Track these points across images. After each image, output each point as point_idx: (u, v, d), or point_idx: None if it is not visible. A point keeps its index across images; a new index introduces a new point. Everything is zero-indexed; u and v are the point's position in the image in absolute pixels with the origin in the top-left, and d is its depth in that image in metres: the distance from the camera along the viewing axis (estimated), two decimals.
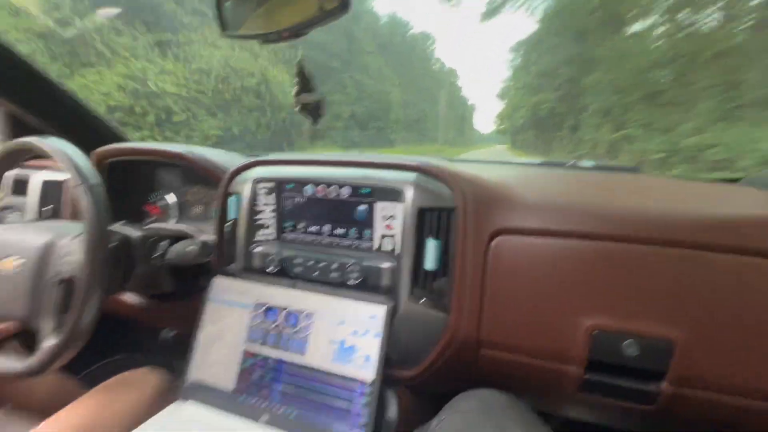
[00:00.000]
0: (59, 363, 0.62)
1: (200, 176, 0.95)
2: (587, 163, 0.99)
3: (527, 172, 0.96)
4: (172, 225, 1.00)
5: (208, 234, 0.92)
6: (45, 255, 0.65)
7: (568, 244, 0.57)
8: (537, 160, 1.13)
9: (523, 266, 0.58)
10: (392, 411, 0.62)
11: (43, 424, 0.64)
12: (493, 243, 0.61)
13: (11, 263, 0.66)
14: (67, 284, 0.64)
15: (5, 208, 1.00)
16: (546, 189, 0.75)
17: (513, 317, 0.59)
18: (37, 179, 0.98)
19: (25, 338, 0.70)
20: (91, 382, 0.95)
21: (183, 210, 1.03)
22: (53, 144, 0.64)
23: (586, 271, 0.55)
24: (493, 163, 1.12)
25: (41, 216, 0.96)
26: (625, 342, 0.53)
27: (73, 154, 0.63)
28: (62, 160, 0.62)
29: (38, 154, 0.69)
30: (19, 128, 1.00)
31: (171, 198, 1.02)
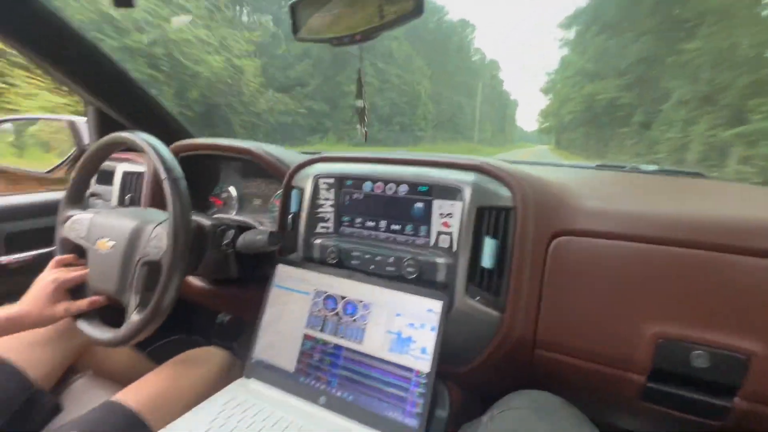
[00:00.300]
0: (142, 336, 0.69)
1: (260, 170, 1.02)
2: (649, 167, 0.95)
3: (584, 174, 0.93)
4: (233, 216, 1.07)
5: (266, 225, 0.97)
6: (133, 239, 0.72)
7: (634, 248, 0.55)
8: (592, 163, 1.10)
9: (585, 269, 0.58)
10: (443, 405, 0.63)
11: (124, 390, 0.71)
12: (553, 244, 0.61)
13: (105, 244, 0.74)
14: (152, 266, 0.71)
15: (92, 195, 1.12)
16: (608, 191, 0.74)
17: (572, 319, 0.58)
18: (119, 170, 1.09)
19: (106, 312, 0.78)
20: (154, 357, 1.05)
21: (242, 202, 1.10)
22: (145, 139, 0.71)
23: (653, 276, 0.54)
24: (546, 165, 1.11)
25: (123, 203, 1.06)
26: (694, 352, 0.51)
27: (161, 149, 0.70)
28: (152, 154, 0.69)
29: (128, 148, 0.77)
30: (104, 122, 1.11)
31: (233, 191, 1.09)
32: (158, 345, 1.23)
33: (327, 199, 0.78)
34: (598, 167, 1.06)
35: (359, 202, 0.76)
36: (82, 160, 0.80)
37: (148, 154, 0.70)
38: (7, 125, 1.25)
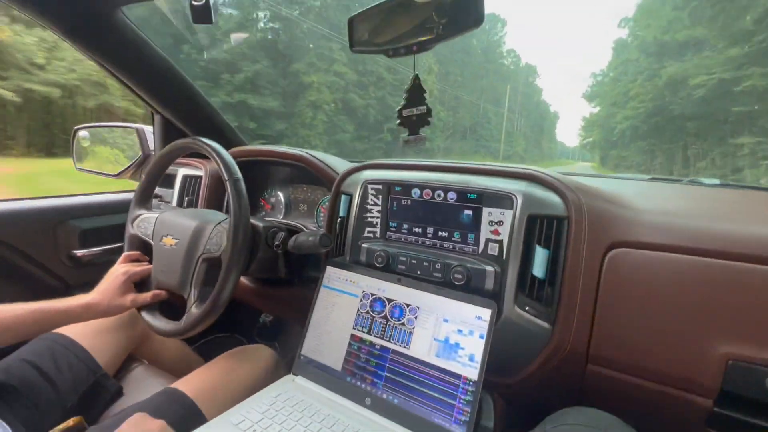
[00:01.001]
0: (201, 327, 0.73)
1: (306, 177, 1.06)
2: (711, 180, 0.90)
3: (639, 186, 0.90)
4: (281, 218, 1.12)
5: (312, 229, 1.01)
6: (195, 237, 0.77)
7: (699, 263, 0.53)
8: (646, 176, 1.05)
9: (645, 282, 0.56)
10: (489, 415, 0.62)
11: (182, 380, 0.75)
12: (609, 255, 0.59)
13: (170, 241, 0.80)
14: (211, 262, 0.76)
15: (154, 197, 1.21)
16: (666, 203, 0.71)
17: (630, 335, 0.56)
18: (180, 174, 1.17)
19: (164, 306, 0.84)
20: (201, 352, 1.11)
21: (289, 206, 1.15)
22: (210, 144, 0.76)
23: (723, 293, 0.51)
24: (596, 177, 1.07)
25: (184, 204, 1.14)
26: None
27: (224, 153, 0.75)
28: (216, 158, 0.74)
29: (192, 153, 0.84)
30: (168, 130, 1.21)
31: (281, 195, 1.15)
32: (205, 341, 1.30)
33: (375, 205, 0.80)
34: (652, 179, 1.02)
35: (407, 208, 0.77)
36: (152, 163, 0.88)
37: (212, 158, 0.75)
38: (84, 132, 1.39)
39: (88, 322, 0.82)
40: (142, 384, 0.84)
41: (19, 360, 0.72)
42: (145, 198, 0.92)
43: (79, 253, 1.07)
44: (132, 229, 0.89)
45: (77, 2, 0.81)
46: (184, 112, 1.16)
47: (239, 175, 0.73)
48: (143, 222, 0.88)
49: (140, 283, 0.83)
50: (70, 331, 0.80)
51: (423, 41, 0.59)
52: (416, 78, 0.69)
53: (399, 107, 0.72)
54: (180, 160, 1.20)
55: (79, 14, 0.84)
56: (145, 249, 0.87)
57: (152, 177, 0.90)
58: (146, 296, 0.80)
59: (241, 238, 0.70)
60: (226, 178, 0.72)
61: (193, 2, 0.54)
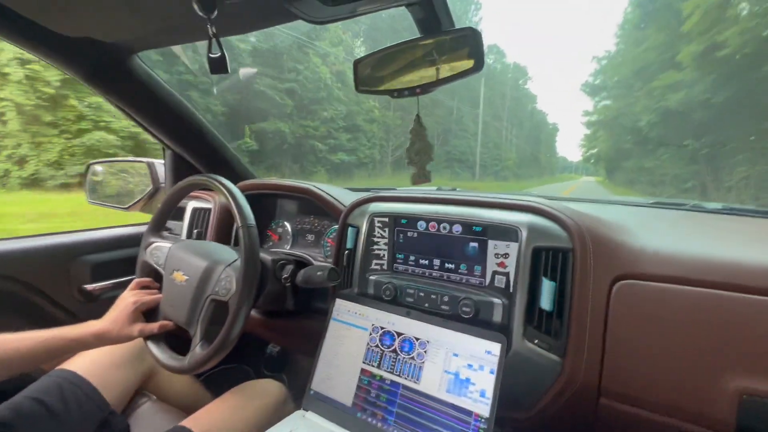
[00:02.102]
0: (205, 367, 0.73)
1: (313, 208, 1.08)
2: (714, 204, 0.91)
3: (642, 212, 0.91)
4: (288, 249, 1.14)
5: (319, 261, 1.02)
6: (205, 277, 0.78)
7: (708, 295, 0.53)
8: (648, 199, 1.06)
9: (654, 314, 0.56)
10: None
11: (191, 417, 0.75)
12: (616, 287, 0.59)
13: (181, 277, 0.81)
14: (219, 304, 0.76)
15: (166, 228, 1.24)
16: (671, 232, 0.72)
17: (641, 368, 0.56)
18: (189, 206, 1.20)
19: (171, 336, 0.84)
20: (209, 384, 1.10)
21: (296, 237, 1.16)
22: (225, 185, 0.78)
23: (732, 326, 0.51)
24: (596, 202, 1.08)
25: (193, 237, 1.16)
26: None
27: (239, 196, 0.76)
28: (231, 201, 0.76)
29: (205, 188, 0.86)
30: (180, 165, 1.24)
31: (288, 226, 1.16)
32: (212, 373, 1.29)
33: (382, 237, 0.81)
34: (654, 204, 1.03)
35: (413, 240, 0.78)
36: (168, 194, 0.90)
37: (227, 200, 0.77)
38: (98, 167, 1.43)
39: (96, 357, 0.83)
40: (150, 421, 0.83)
41: (28, 398, 0.72)
42: (159, 226, 0.94)
43: (90, 287, 1.09)
44: (145, 256, 0.90)
45: (96, 50, 0.86)
46: (195, 148, 1.20)
47: (253, 221, 0.75)
48: (156, 250, 0.89)
49: (148, 312, 0.84)
50: (78, 366, 0.80)
51: (425, 84, 0.62)
52: (417, 118, 0.72)
53: (407, 147, 0.75)
54: (190, 193, 1.23)
55: (98, 61, 0.89)
56: (156, 276, 0.89)
57: (167, 207, 0.92)
58: (153, 326, 0.81)
59: (250, 283, 0.71)
60: (240, 224, 0.73)
61: (210, 55, 0.57)
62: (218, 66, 0.58)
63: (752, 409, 0.49)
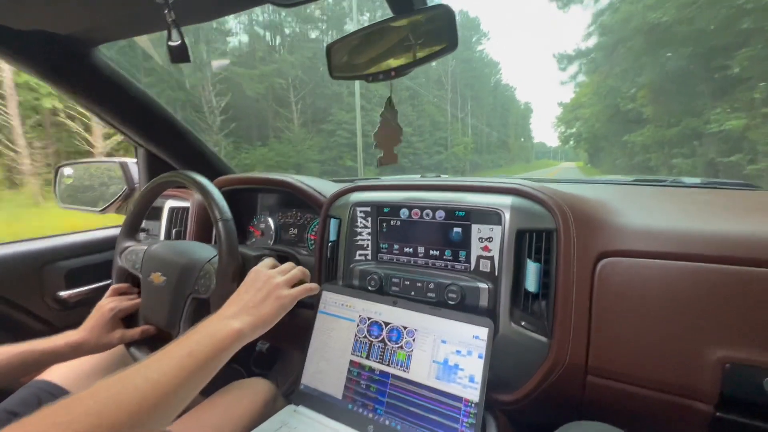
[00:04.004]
0: None
1: (295, 201, 1.05)
2: (693, 179, 0.92)
3: (623, 190, 0.91)
4: (271, 245, 1.11)
5: (302, 255, 1.00)
6: (183, 275, 0.76)
7: (690, 268, 0.53)
8: (629, 177, 1.07)
9: (637, 290, 0.56)
10: None
11: (179, 421, 0.73)
12: (600, 265, 0.59)
13: (158, 278, 0.78)
14: (200, 302, 0.74)
15: (141, 230, 1.19)
16: (652, 207, 0.72)
17: (627, 344, 0.56)
18: (167, 206, 1.16)
19: (154, 340, 0.81)
20: None
21: (279, 232, 1.14)
22: (199, 180, 0.75)
23: (714, 297, 0.51)
24: (579, 182, 1.09)
25: (172, 237, 1.12)
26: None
27: (214, 191, 0.74)
28: (205, 196, 0.73)
29: (179, 185, 0.83)
30: (153, 163, 1.20)
31: (270, 221, 1.14)
32: None
33: (365, 227, 0.80)
34: (635, 182, 1.03)
35: (396, 229, 0.77)
36: (139, 195, 0.87)
37: (202, 196, 0.74)
38: (67, 169, 1.37)
39: (77, 366, 0.80)
40: None
41: (4, 412, 0.69)
42: (132, 230, 0.90)
43: (65, 294, 1.05)
44: (120, 262, 0.87)
45: (53, 44, 0.81)
46: (167, 145, 1.15)
47: (229, 215, 0.72)
48: (131, 254, 0.86)
49: (128, 318, 0.81)
50: (56, 377, 0.77)
51: (400, 66, 0.60)
52: (389, 101, 0.70)
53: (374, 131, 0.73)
54: (166, 192, 1.19)
55: (56, 56, 0.84)
56: (133, 281, 0.86)
57: (140, 208, 0.89)
58: (135, 332, 0.78)
59: (229, 278, 0.69)
60: (217, 218, 0.71)
61: (169, 43, 0.54)
62: (179, 54, 0.55)
63: (735, 378, 0.50)
